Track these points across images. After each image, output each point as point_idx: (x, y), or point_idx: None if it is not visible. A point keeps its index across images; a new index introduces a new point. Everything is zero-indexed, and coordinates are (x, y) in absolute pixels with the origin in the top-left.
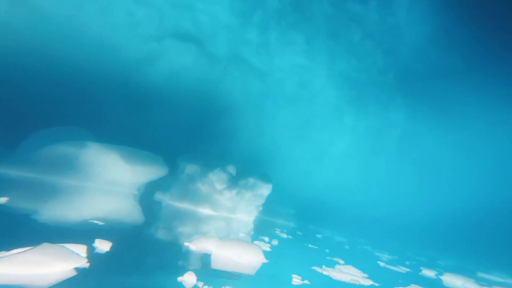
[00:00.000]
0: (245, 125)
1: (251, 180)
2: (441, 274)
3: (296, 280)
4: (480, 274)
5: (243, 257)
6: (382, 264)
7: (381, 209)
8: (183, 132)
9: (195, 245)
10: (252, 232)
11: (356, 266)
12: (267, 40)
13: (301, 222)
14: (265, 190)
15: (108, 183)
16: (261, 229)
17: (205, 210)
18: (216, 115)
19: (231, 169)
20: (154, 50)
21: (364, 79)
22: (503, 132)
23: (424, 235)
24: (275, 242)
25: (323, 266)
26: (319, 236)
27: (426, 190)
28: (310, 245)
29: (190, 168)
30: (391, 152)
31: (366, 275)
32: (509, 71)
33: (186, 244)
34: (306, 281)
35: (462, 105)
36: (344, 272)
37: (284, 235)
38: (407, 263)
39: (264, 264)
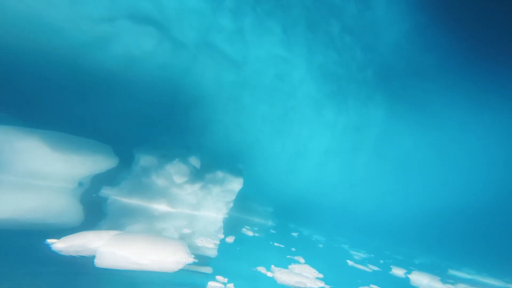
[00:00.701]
0: (218, 117)
1: (220, 174)
2: (410, 272)
3: (215, 283)
4: (451, 272)
5: (151, 256)
6: (350, 263)
7: (362, 207)
8: (142, 122)
9: (65, 243)
10: (222, 230)
11: (317, 265)
12: (242, 27)
13: (280, 220)
14: (236, 184)
15: (29, 175)
16: (232, 228)
17: (160, 206)
18: (184, 105)
19: (194, 161)
20: (106, 33)
21: (344, 74)
22: (476, 133)
23: (404, 233)
24: (229, 240)
25: (272, 266)
26: (294, 234)
27: (406, 188)
28: (276, 244)
29: (145, 160)
30: (371, 149)
31: (321, 276)
32: (482, 73)
33: (50, 241)
34: (230, 285)
35: (437, 104)
36: (295, 273)
37: (251, 233)
38: (381, 261)
39: (189, 264)
